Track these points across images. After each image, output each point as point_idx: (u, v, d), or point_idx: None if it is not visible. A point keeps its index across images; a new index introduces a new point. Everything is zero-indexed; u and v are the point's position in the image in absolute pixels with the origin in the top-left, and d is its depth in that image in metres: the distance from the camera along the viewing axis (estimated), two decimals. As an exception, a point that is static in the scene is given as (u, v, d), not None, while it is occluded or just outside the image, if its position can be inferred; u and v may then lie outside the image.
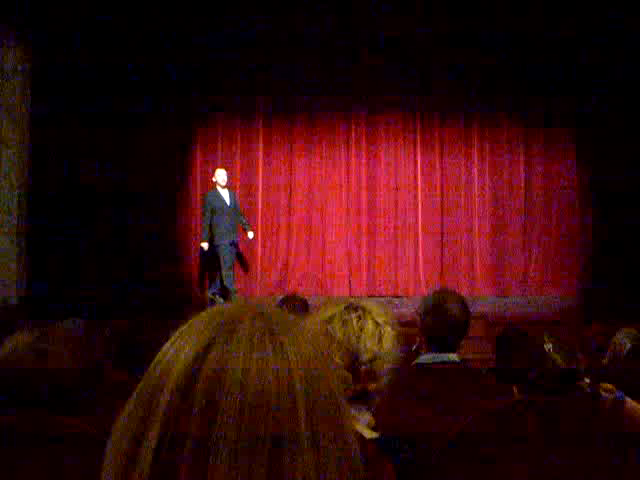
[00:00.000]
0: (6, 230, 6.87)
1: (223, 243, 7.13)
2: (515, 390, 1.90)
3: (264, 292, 7.73)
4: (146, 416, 0.55)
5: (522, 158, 8.09)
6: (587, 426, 1.41)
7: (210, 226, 7.20)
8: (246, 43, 7.68)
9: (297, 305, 3.13)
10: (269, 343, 0.57)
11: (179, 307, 6.52)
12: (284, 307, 3.06)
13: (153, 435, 0.54)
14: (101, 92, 7.33)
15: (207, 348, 0.56)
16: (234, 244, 7.24)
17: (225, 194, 7.26)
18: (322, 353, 0.61)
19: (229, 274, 7.18)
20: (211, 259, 7.40)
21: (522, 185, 8.07)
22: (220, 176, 7.27)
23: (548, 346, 1.85)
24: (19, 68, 6.95)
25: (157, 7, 7.33)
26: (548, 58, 7.73)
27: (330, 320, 1.40)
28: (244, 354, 0.56)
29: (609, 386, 2.05)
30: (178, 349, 0.58)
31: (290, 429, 0.54)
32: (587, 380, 1.95)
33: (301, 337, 0.60)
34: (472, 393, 2.14)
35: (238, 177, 7.89)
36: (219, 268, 7.20)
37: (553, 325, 5.93)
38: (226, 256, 7.15)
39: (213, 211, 7.18)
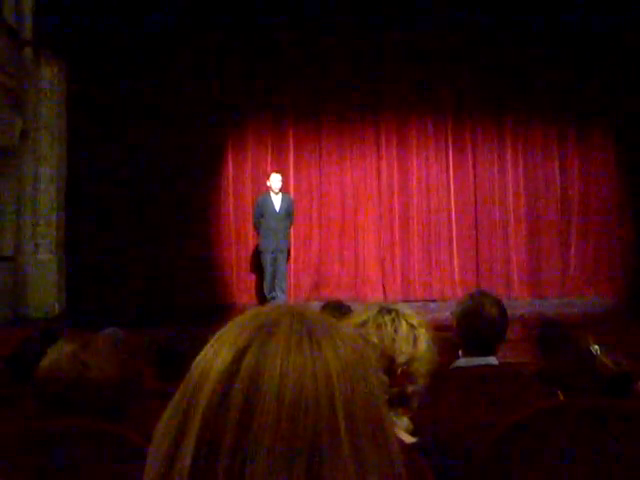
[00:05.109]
0: (46, 243, 7.05)
1: (264, 251, 7.24)
2: (560, 393, 1.83)
3: (298, 299, 7.74)
4: (185, 419, 0.55)
5: (557, 157, 7.95)
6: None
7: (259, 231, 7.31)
8: (277, 49, 7.75)
9: (342, 311, 3.03)
10: (307, 346, 0.56)
11: (218, 315, 6.58)
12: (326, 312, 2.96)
13: (191, 438, 0.54)
14: (135, 106, 7.47)
15: (244, 351, 0.56)
16: (279, 251, 7.22)
17: (277, 199, 7.28)
18: (362, 356, 0.59)
19: (266, 282, 7.27)
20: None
21: (557, 185, 7.93)
22: (273, 182, 7.30)
23: (595, 348, 1.78)
24: (56, 86, 7.14)
25: (184, 22, 7.46)
26: (581, 56, 7.60)
27: (364, 324, 1.39)
28: (281, 357, 0.55)
29: None
30: (216, 352, 0.57)
31: (329, 435, 0.53)
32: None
33: (340, 340, 0.58)
34: (513, 396, 2.10)
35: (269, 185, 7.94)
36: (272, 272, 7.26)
37: (594, 326, 5.79)
38: (265, 264, 7.24)
39: (262, 215, 7.25)
